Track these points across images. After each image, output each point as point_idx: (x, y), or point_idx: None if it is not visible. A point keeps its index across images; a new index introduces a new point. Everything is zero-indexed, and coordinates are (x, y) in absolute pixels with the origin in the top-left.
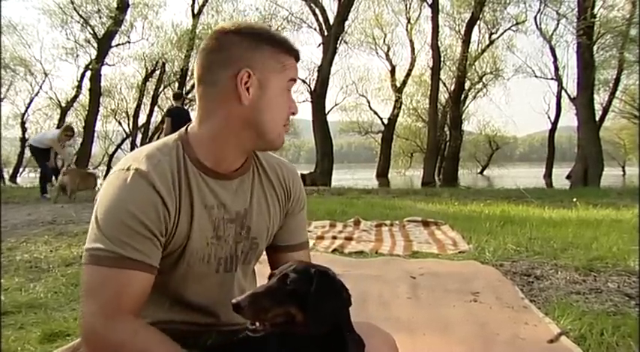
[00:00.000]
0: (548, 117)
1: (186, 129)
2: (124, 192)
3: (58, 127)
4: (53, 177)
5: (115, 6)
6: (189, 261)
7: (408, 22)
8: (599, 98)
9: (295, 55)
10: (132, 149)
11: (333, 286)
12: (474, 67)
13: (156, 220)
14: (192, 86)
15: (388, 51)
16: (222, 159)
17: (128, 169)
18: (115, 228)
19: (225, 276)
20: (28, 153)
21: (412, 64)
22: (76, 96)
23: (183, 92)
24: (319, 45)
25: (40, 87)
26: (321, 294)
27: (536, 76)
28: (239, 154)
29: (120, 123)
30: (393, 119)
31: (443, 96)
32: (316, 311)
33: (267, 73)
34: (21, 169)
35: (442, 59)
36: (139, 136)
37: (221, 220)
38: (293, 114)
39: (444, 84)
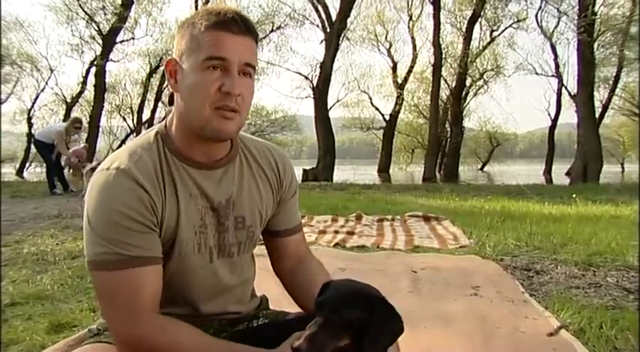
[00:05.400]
0: (549, 114)
1: (166, 122)
2: (109, 192)
3: (63, 122)
4: (65, 171)
5: (120, 3)
6: (180, 253)
7: (410, 19)
8: (599, 95)
9: (224, 28)
10: None
11: (391, 315)
12: (475, 64)
13: (146, 213)
14: None
15: (390, 48)
16: (194, 148)
17: (109, 168)
18: (110, 230)
19: (222, 265)
20: (34, 148)
21: (414, 61)
22: (81, 92)
23: None
24: (322, 41)
25: (46, 83)
26: (380, 325)
27: (536, 73)
28: (203, 143)
29: (124, 119)
30: (394, 115)
31: (444, 92)
32: (375, 343)
33: (184, 56)
34: (27, 164)
35: (443, 56)
36: (143, 132)
37: (205, 209)
38: (227, 94)
39: (445, 81)
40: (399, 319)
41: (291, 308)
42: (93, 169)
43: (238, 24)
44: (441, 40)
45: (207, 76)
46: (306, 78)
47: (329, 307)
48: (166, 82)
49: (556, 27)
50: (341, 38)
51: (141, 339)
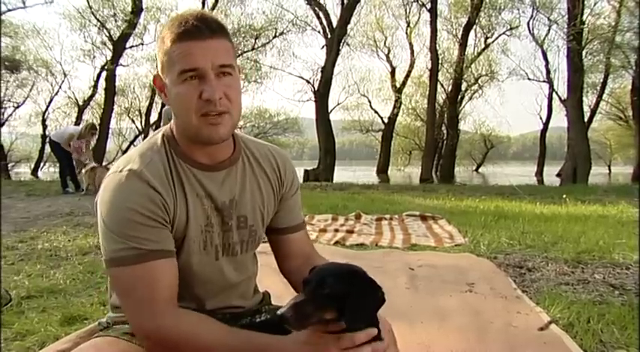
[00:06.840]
0: (540, 118)
1: (170, 125)
2: (122, 193)
3: (75, 124)
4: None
5: (130, 10)
6: (188, 250)
7: (408, 25)
8: (588, 100)
9: (188, 37)
10: None
11: (370, 287)
12: (470, 69)
13: (158, 211)
14: None
15: (389, 53)
16: (196, 151)
17: (122, 171)
18: (125, 227)
19: (227, 263)
20: (48, 148)
21: (411, 66)
22: (92, 96)
23: None
24: (323, 47)
25: (60, 86)
26: (360, 296)
27: (529, 79)
28: (203, 146)
29: (133, 121)
30: (392, 118)
31: (440, 96)
32: (355, 313)
33: (165, 72)
34: (42, 164)
35: (440, 61)
36: (151, 133)
37: (211, 209)
38: (208, 100)
39: (442, 85)
40: (378, 290)
41: None
42: (93, 169)
43: (201, 30)
44: (437, 46)
45: (187, 88)
46: (308, 82)
47: (313, 283)
48: None
49: (547, 35)
50: (341, 44)
51: (159, 330)
